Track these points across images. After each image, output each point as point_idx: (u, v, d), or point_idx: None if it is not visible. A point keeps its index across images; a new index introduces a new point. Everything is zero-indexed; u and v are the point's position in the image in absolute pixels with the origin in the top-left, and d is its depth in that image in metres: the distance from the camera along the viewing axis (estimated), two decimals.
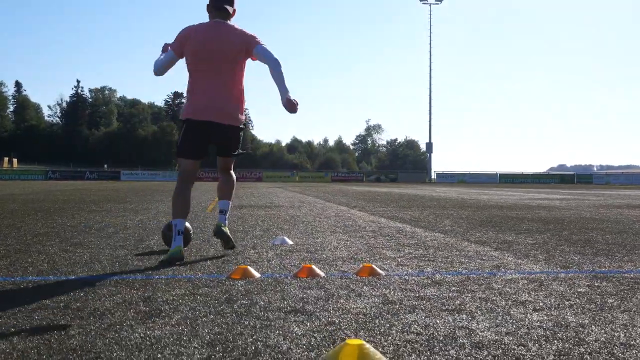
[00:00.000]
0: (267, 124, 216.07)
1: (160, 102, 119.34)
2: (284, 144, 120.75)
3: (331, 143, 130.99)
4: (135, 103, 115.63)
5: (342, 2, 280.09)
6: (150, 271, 3.87)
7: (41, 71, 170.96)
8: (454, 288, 3.37)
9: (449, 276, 3.75)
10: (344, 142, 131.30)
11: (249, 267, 3.75)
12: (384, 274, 3.78)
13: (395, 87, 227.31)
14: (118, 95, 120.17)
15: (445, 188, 31.34)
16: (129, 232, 6.38)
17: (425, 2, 64.66)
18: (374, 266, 3.83)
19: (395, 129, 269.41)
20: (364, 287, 3.37)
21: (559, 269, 4.07)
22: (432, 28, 67.88)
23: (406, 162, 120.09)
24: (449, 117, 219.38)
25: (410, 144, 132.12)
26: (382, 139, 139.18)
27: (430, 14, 66.71)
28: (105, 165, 68.53)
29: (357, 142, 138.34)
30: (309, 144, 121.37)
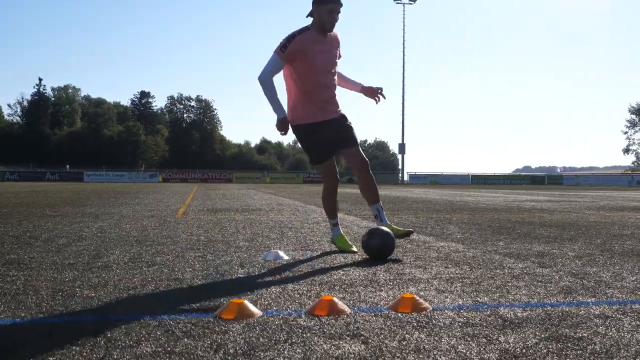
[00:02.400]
0: (236, 124, 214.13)
1: (126, 101, 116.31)
2: (253, 145, 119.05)
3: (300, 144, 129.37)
4: (100, 102, 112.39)
5: None
6: (105, 308, 2.78)
7: (1, 69, 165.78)
8: (538, 332, 2.35)
9: (519, 310, 2.74)
10: None
11: (245, 300, 2.68)
12: (431, 308, 2.76)
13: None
14: (82, 94, 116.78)
15: (422, 189, 30.50)
16: (83, 245, 5.23)
17: (399, 2, 63.86)
18: (416, 297, 2.79)
19: (365, 131, 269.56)
20: (417, 333, 2.34)
21: None
22: (405, 28, 66.90)
23: (376, 163, 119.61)
24: (418, 118, 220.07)
25: (380, 146, 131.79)
26: None
27: (404, 14, 65.76)
28: (68, 166, 66.08)
29: None
30: (279, 144, 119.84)
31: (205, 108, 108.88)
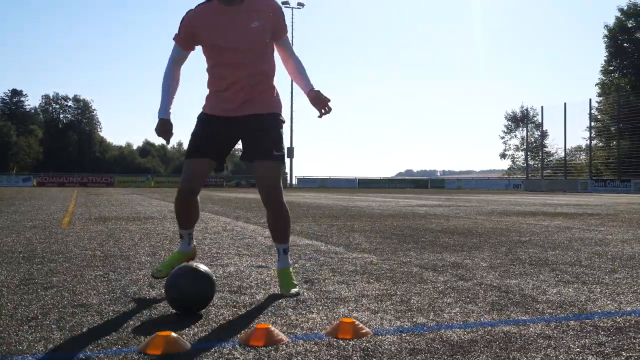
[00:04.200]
0: (117, 126, 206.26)
1: None
2: (135, 147, 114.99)
3: (186, 147, 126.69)
4: None
5: None
6: (4, 346, 2.39)
7: None
8: (491, 358, 2.26)
9: (460, 332, 2.64)
10: None
11: (172, 333, 2.39)
12: (372, 333, 2.60)
13: None
14: None
15: (313, 194, 30.65)
16: None
17: (288, 5, 64.06)
18: (356, 322, 2.62)
19: None
20: None
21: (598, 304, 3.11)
22: (294, 32, 67.15)
23: None
24: (307, 122, 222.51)
25: None
26: (238, 144, 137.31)
27: (292, 18, 66.12)
28: None
29: None
30: (163, 147, 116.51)
31: (83, 108, 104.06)
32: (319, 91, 3.65)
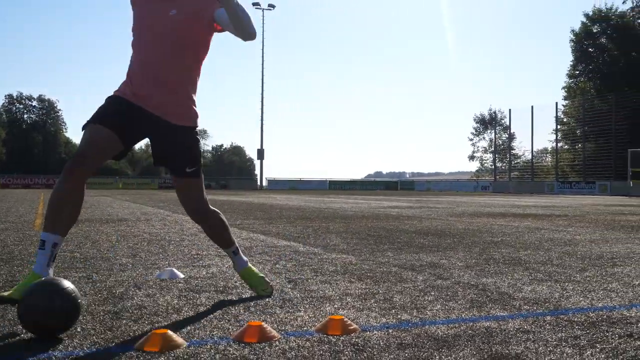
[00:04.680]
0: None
1: None
2: None
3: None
4: None
5: None
6: (19, 349, 2.43)
7: None
8: (475, 351, 2.38)
9: (443, 327, 2.76)
10: None
11: (168, 330, 2.46)
12: (360, 330, 2.70)
13: (221, 92, 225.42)
14: None
15: (284, 195, 30.69)
16: None
17: (258, 7, 63.91)
18: (345, 318, 2.72)
19: (222, 135, 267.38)
20: (360, 358, 2.27)
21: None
22: (264, 34, 66.87)
23: (232, 168, 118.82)
24: (276, 123, 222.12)
25: (237, 150, 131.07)
26: (207, 144, 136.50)
27: (263, 20, 66.00)
28: None
29: None
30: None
31: (48, 108, 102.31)
32: None
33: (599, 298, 3.49)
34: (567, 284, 3.97)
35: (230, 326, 2.77)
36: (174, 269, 4.28)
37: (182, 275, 4.18)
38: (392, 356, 2.31)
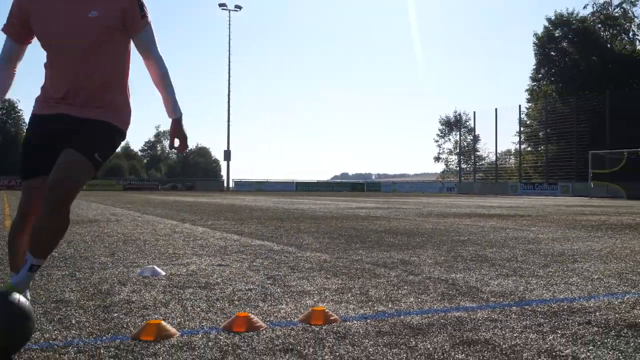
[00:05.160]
0: None
1: None
2: None
3: (118, 149, 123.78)
4: None
5: None
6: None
7: None
8: (447, 337, 2.59)
9: (417, 317, 2.97)
10: (132, 148, 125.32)
11: (162, 321, 2.61)
12: (340, 320, 2.89)
13: (187, 93, 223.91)
14: None
15: (251, 197, 30.76)
16: None
17: (225, 8, 63.84)
18: (326, 310, 2.90)
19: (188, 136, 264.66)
20: (343, 344, 2.46)
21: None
22: (231, 35, 66.79)
23: (198, 169, 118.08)
24: (242, 125, 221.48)
25: (202, 152, 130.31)
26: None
27: (230, 21, 65.86)
28: None
29: (146, 148, 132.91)
30: None
31: (9, 109, 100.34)
32: (181, 122, 3.01)
33: (560, 290, 3.74)
34: (531, 278, 4.22)
35: (217, 317, 2.93)
36: (155, 267, 4.41)
37: (163, 273, 4.32)
38: (372, 342, 2.50)
